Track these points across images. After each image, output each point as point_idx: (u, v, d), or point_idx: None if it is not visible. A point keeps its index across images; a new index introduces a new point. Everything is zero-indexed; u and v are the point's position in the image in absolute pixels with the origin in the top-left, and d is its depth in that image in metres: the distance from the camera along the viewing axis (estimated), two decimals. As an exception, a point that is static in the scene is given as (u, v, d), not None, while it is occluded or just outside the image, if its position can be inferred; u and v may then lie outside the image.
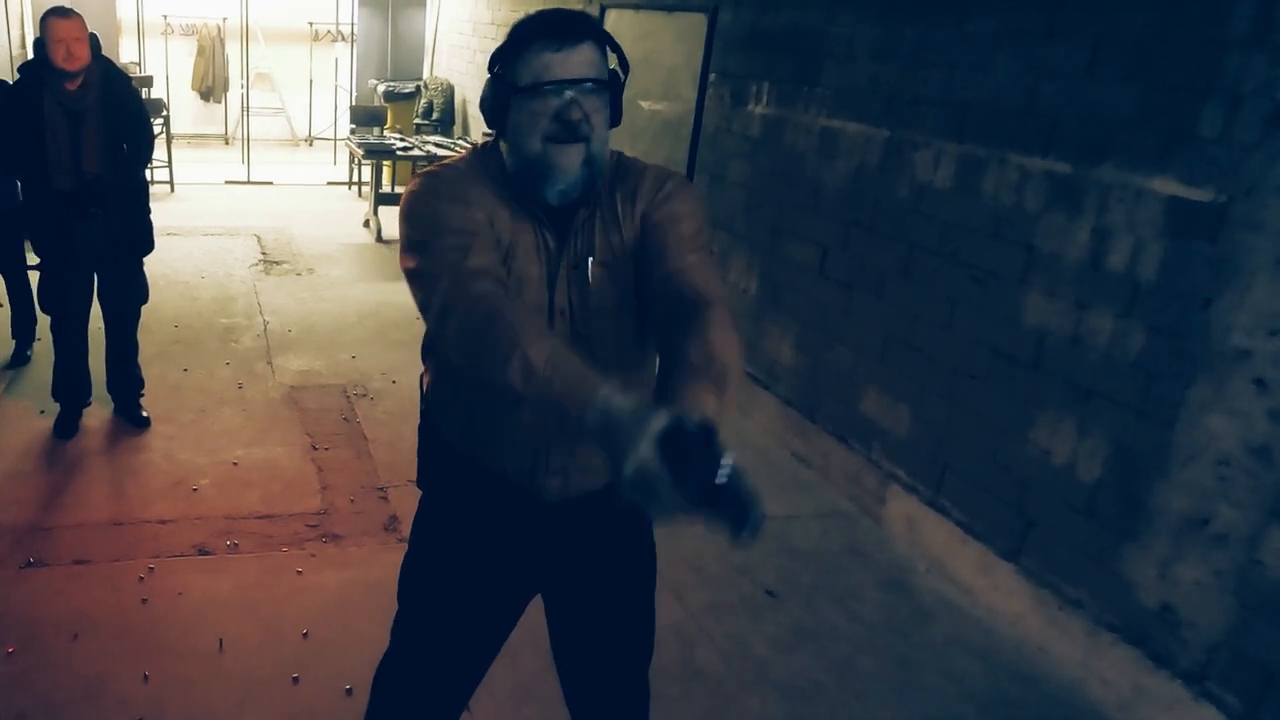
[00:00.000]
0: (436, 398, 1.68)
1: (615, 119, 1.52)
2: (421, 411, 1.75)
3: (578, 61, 1.43)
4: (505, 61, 1.47)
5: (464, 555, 1.69)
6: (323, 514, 3.49)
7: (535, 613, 1.81)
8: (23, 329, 4.68)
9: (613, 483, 1.12)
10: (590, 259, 1.51)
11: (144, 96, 7.63)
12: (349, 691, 2.57)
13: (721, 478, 1.06)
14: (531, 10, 1.66)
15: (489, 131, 1.55)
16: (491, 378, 1.26)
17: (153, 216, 3.95)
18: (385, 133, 9.28)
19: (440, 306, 1.35)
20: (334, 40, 11.91)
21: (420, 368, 1.75)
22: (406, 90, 10.04)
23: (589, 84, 1.44)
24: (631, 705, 1.83)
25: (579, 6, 6.58)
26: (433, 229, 1.43)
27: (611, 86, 1.48)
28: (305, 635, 2.81)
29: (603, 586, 1.73)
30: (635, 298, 1.54)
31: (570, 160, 1.45)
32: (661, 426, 1.08)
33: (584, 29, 1.45)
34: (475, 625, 1.72)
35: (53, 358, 3.96)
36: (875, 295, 3.81)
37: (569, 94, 1.43)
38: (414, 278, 1.43)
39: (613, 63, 1.52)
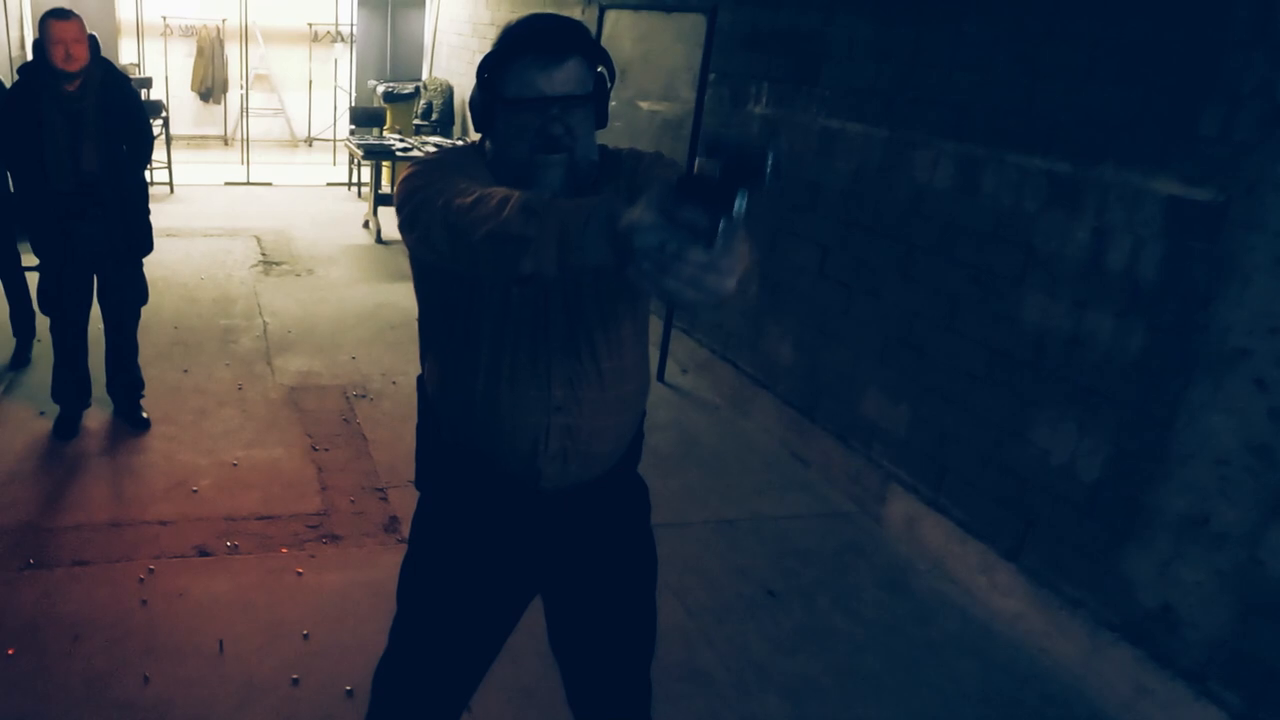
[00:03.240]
0: (435, 388, 1.69)
1: (601, 122, 1.55)
2: (420, 410, 1.75)
3: (562, 78, 1.46)
4: (493, 70, 1.50)
5: (463, 555, 1.69)
6: (323, 515, 3.49)
7: (535, 614, 1.81)
8: (23, 329, 4.68)
9: (627, 273, 1.06)
10: None
11: (143, 97, 7.63)
12: (349, 693, 2.57)
13: (727, 158, 0.99)
14: (530, 10, 1.68)
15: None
16: (494, 232, 1.24)
17: (152, 217, 3.95)
18: (384, 133, 9.28)
19: (443, 210, 1.35)
20: (333, 41, 11.90)
21: (419, 369, 1.75)
22: (406, 91, 10.03)
23: (573, 99, 1.47)
24: (634, 704, 1.83)
25: (579, 8, 6.58)
26: (431, 176, 1.45)
27: (596, 95, 1.52)
28: (305, 636, 2.81)
29: (603, 582, 1.74)
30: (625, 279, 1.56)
31: (553, 170, 1.50)
32: (667, 180, 1.05)
33: (570, 43, 1.48)
34: (475, 626, 1.72)
35: (52, 359, 3.96)
36: (875, 295, 3.81)
37: (554, 109, 1.46)
38: (415, 212, 1.42)
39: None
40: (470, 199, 1.31)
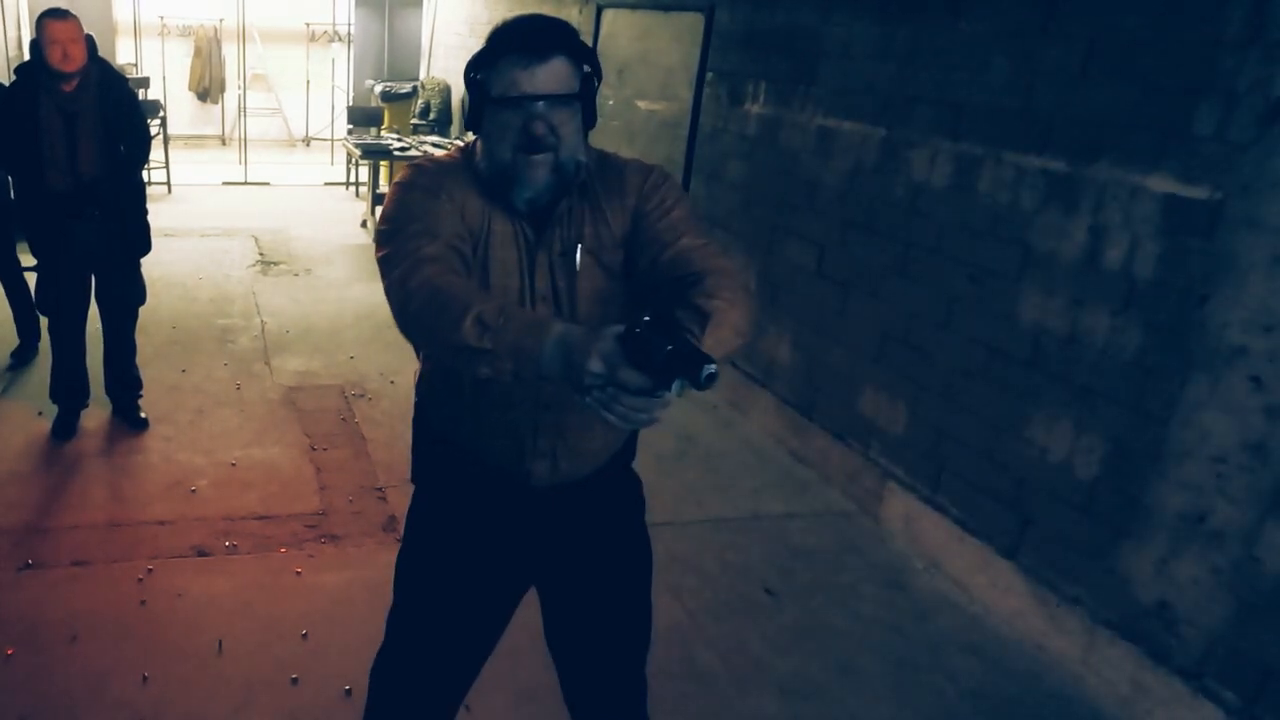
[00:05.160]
0: (427, 388, 1.70)
1: (589, 122, 1.56)
2: (415, 405, 1.76)
3: (546, 77, 1.47)
4: (481, 70, 1.52)
5: (457, 548, 1.70)
6: (321, 514, 3.50)
7: (534, 613, 1.81)
8: (27, 330, 4.68)
9: (580, 401, 1.22)
10: (579, 246, 1.56)
11: (140, 97, 7.62)
12: (348, 692, 2.57)
13: (672, 348, 1.15)
14: (527, 10, 1.69)
15: None
16: (448, 341, 1.31)
17: (150, 217, 3.95)
18: (382, 133, 9.27)
19: (398, 287, 1.41)
20: (331, 41, 11.91)
21: (416, 368, 1.76)
22: (403, 90, 10.03)
23: (556, 98, 1.48)
24: (629, 701, 1.84)
25: (576, 7, 6.58)
26: (401, 220, 1.50)
27: (583, 95, 1.52)
28: (304, 636, 2.81)
29: (596, 577, 1.75)
30: (623, 287, 1.59)
31: (538, 170, 1.50)
32: (617, 331, 1.19)
33: (555, 43, 1.49)
34: (470, 618, 1.73)
35: (51, 359, 3.96)
36: (872, 294, 3.81)
37: (536, 108, 1.47)
38: (381, 264, 1.49)
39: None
40: (427, 287, 1.36)
